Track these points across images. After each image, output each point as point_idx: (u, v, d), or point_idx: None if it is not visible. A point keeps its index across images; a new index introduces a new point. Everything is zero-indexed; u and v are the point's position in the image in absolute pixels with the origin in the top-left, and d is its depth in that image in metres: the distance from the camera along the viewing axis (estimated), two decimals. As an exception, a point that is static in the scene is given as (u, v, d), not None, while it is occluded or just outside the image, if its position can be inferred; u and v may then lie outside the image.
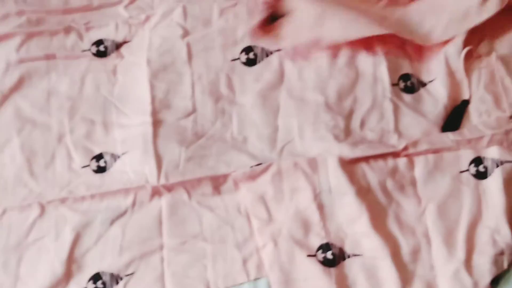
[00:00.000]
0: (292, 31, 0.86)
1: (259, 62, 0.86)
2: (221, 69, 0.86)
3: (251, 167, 0.78)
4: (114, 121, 0.84)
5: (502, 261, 0.72)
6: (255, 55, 0.86)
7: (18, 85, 0.86)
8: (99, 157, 0.81)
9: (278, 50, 0.86)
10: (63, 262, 0.74)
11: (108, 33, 0.89)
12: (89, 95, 0.85)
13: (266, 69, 0.86)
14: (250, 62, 0.86)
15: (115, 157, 0.81)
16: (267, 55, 0.87)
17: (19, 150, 0.82)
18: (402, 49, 0.86)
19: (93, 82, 0.86)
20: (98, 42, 0.89)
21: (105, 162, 0.81)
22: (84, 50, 0.89)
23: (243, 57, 0.86)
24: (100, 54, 0.88)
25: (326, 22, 0.85)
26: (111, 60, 0.88)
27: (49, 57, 0.87)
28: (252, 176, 0.77)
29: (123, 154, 0.81)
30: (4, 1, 0.93)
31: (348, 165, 0.77)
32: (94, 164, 0.81)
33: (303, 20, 0.86)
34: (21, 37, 0.88)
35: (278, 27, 0.87)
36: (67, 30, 0.90)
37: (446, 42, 0.85)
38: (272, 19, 0.87)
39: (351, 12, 0.86)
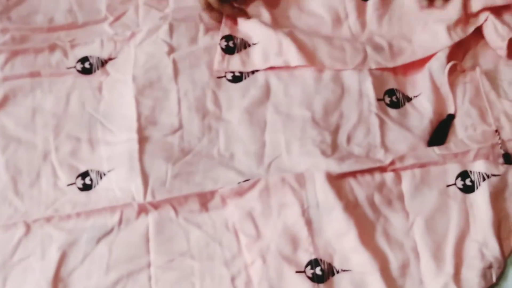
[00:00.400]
0: (259, 57, 0.87)
1: (245, 78, 0.87)
2: (207, 86, 0.86)
3: (239, 183, 0.77)
4: (100, 138, 0.83)
5: (490, 274, 0.72)
6: (241, 72, 0.87)
7: (2, 103, 0.85)
8: (84, 174, 0.80)
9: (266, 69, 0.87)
10: (49, 282, 0.72)
11: (93, 50, 0.89)
12: (74, 112, 0.85)
13: (252, 86, 0.86)
14: (236, 79, 0.86)
15: (101, 174, 0.80)
16: (252, 72, 0.87)
17: (3, 169, 0.81)
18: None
19: (78, 99, 0.85)
20: (83, 59, 0.88)
21: (91, 179, 0.80)
22: (69, 68, 0.88)
23: (229, 75, 0.87)
24: (86, 71, 0.88)
25: (290, 49, 0.85)
26: (97, 77, 0.87)
27: (34, 74, 0.87)
28: (240, 192, 0.77)
29: (109, 171, 0.80)
30: (-12, 20, 0.92)
31: (336, 180, 0.77)
32: (79, 182, 0.80)
33: (269, 47, 0.87)
34: (5, 54, 0.88)
35: (245, 54, 0.88)
36: (52, 47, 0.89)
37: (429, 57, 0.86)
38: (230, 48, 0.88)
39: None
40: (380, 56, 0.87)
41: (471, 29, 0.87)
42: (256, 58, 0.88)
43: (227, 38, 0.89)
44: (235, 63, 0.87)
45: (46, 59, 0.89)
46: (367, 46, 0.87)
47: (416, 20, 0.90)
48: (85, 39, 0.91)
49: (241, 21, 0.90)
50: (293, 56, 0.85)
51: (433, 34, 0.87)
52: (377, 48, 0.88)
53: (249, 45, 0.89)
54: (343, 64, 0.86)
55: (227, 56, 0.87)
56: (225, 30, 0.89)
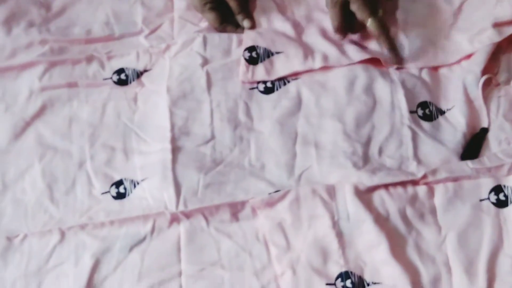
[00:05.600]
0: (284, 64, 0.88)
1: (277, 89, 0.87)
2: (239, 97, 0.87)
3: (269, 194, 0.78)
4: (134, 148, 0.84)
5: (524, 290, 0.71)
6: (273, 83, 0.87)
7: (40, 112, 0.87)
8: (119, 183, 0.82)
9: (295, 79, 0.87)
10: (83, 289, 0.74)
11: (129, 62, 0.91)
12: (110, 122, 0.86)
13: (283, 97, 0.86)
14: (268, 90, 0.87)
15: (134, 183, 0.82)
16: (284, 84, 0.88)
17: (40, 176, 0.83)
18: (419, 76, 0.87)
19: (114, 110, 0.87)
20: (120, 71, 0.90)
21: (125, 188, 0.81)
22: (106, 79, 0.90)
23: (261, 86, 0.87)
24: (121, 83, 0.90)
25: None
26: (132, 88, 0.89)
27: (71, 85, 0.89)
28: (270, 203, 0.77)
29: (142, 180, 0.82)
30: (28, 30, 0.95)
31: (366, 193, 0.76)
32: (113, 191, 0.81)
33: (292, 54, 0.88)
34: (44, 65, 0.90)
35: (269, 63, 0.89)
36: (89, 59, 0.91)
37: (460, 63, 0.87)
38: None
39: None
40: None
41: (497, 38, 0.86)
42: (279, 65, 0.88)
43: (250, 49, 0.90)
44: (259, 72, 0.88)
45: (83, 70, 0.91)
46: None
47: (442, 22, 0.91)
48: (121, 51, 0.93)
49: (263, 32, 0.92)
50: (318, 58, 0.86)
51: (455, 41, 0.88)
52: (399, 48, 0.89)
53: (272, 54, 0.89)
54: (364, 54, 0.87)
55: (251, 66, 0.88)
56: (247, 41, 0.90)
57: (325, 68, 0.87)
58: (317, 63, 0.87)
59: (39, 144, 0.85)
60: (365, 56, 0.87)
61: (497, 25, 0.87)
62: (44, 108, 0.88)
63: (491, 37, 0.86)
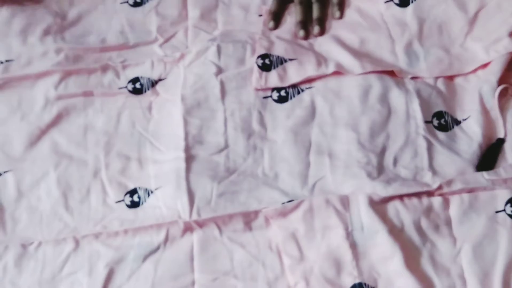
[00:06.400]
0: (297, 71, 0.88)
1: (291, 99, 0.87)
2: (253, 106, 0.87)
3: (283, 203, 0.78)
4: (149, 157, 0.85)
5: (540, 304, 0.70)
6: (287, 92, 0.87)
7: (55, 121, 0.88)
8: (133, 192, 0.82)
9: (309, 88, 0.87)
10: (97, 298, 0.74)
11: (144, 71, 0.91)
12: (124, 131, 0.87)
13: (297, 106, 0.86)
14: (282, 99, 0.87)
15: (148, 192, 0.82)
16: (298, 92, 0.87)
17: (55, 185, 0.83)
18: (434, 86, 0.86)
19: (129, 119, 0.88)
20: (135, 80, 0.91)
21: (139, 197, 0.82)
22: (121, 88, 0.91)
23: (275, 95, 0.87)
24: (136, 91, 0.90)
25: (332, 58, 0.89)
26: (147, 97, 0.90)
27: (87, 94, 0.90)
28: (283, 213, 0.77)
29: (156, 189, 0.82)
30: (43, 39, 0.96)
31: (381, 203, 0.76)
32: (128, 199, 0.82)
33: (306, 60, 0.89)
34: (60, 74, 0.91)
35: (282, 70, 0.89)
36: (104, 68, 0.92)
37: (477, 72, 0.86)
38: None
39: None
40: (415, 67, 0.87)
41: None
42: (293, 72, 0.88)
43: (263, 56, 0.90)
44: (272, 79, 0.88)
45: (98, 79, 0.91)
46: (404, 55, 0.88)
47: (457, 31, 0.90)
48: (136, 60, 0.93)
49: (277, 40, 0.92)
50: (331, 65, 0.87)
51: (471, 50, 0.87)
52: (413, 57, 0.88)
53: (285, 61, 0.89)
54: (377, 66, 0.87)
55: (264, 73, 0.88)
56: (260, 50, 0.90)
57: (339, 74, 0.87)
58: (330, 68, 0.87)
59: (55, 153, 0.86)
60: (379, 68, 0.87)
61: None
62: (60, 116, 0.88)
63: (507, 46, 0.85)
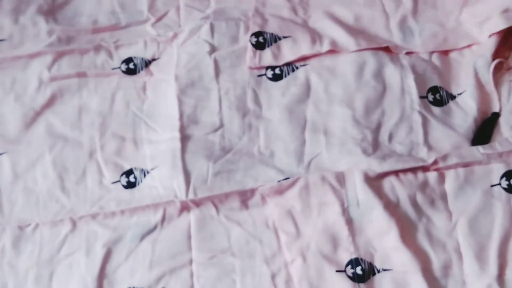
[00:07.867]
0: (291, 49, 0.87)
1: (285, 76, 0.87)
2: (247, 84, 0.86)
3: (279, 181, 0.78)
4: (144, 137, 0.85)
5: (536, 276, 0.71)
6: (281, 70, 0.87)
7: (50, 102, 0.88)
8: (129, 172, 0.82)
9: (304, 65, 0.87)
10: (95, 278, 0.75)
11: (137, 51, 0.91)
12: (119, 111, 0.87)
13: (292, 84, 0.86)
14: (276, 77, 0.87)
15: (144, 172, 0.82)
16: (293, 70, 0.87)
17: (51, 166, 0.83)
18: (429, 61, 0.86)
19: (123, 99, 0.88)
20: (128, 60, 0.90)
21: (135, 177, 0.82)
22: (114, 68, 0.90)
23: (269, 73, 0.87)
24: (130, 72, 0.90)
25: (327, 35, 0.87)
26: (141, 77, 0.89)
27: (80, 75, 0.89)
28: (280, 191, 0.77)
29: (152, 169, 0.82)
30: (34, 19, 0.95)
31: (376, 179, 0.76)
32: (124, 180, 0.82)
33: (300, 38, 0.88)
34: (52, 55, 0.90)
35: (276, 48, 0.88)
36: (97, 48, 0.91)
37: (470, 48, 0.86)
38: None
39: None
40: (410, 42, 0.87)
41: (505, 24, 0.84)
42: (287, 50, 0.88)
43: (257, 34, 0.89)
44: (266, 57, 0.87)
45: (91, 60, 0.91)
46: (398, 30, 0.88)
47: (452, 4, 0.90)
48: (128, 40, 0.92)
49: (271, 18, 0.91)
50: (325, 43, 0.86)
51: (465, 24, 0.87)
52: (408, 32, 0.88)
53: (279, 39, 0.89)
54: (372, 43, 0.87)
55: (258, 51, 0.88)
56: (254, 27, 0.90)
57: (333, 52, 0.87)
58: (325, 47, 0.86)
59: (50, 134, 0.86)
60: (374, 44, 0.86)
61: (506, 11, 0.86)
62: (54, 98, 0.88)
63: (499, 23, 0.85)
